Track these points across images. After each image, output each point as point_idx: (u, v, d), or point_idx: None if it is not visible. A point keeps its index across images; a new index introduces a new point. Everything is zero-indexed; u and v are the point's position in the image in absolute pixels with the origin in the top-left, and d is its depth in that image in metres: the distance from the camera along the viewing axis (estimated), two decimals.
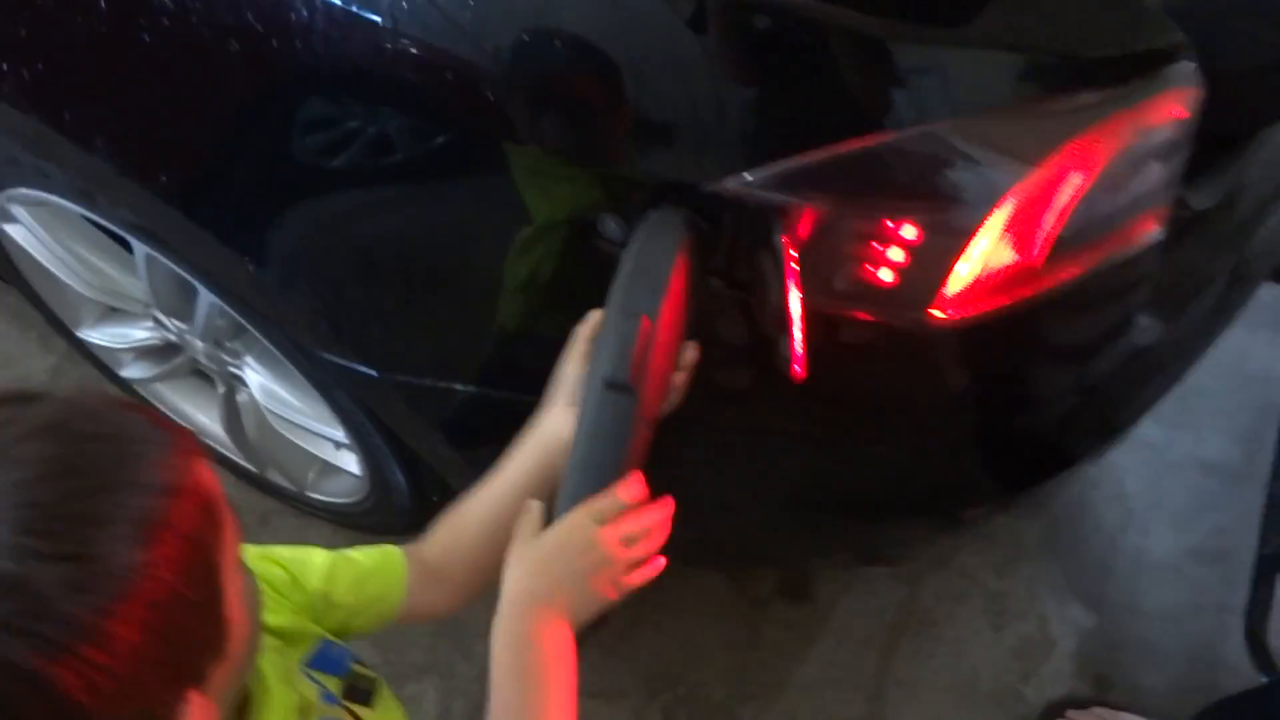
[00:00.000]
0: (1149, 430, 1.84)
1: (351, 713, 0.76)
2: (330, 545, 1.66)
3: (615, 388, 0.65)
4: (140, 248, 1.11)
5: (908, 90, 0.71)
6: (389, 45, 0.75)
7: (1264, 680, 1.41)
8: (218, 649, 0.54)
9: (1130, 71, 0.72)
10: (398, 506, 1.35)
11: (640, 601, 1.59)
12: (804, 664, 1.55)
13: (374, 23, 0.74)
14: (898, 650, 1.57)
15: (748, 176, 0.72)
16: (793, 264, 0.72)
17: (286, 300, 0.93)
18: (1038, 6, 0.74)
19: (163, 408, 1.58)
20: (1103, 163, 0.73)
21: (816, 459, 0.93)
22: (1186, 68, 0.73)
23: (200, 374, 1.53)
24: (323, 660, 0.75)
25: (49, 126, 0.89)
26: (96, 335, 1.47)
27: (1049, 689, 1.56)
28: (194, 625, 0.52)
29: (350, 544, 1.67)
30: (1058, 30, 0.73)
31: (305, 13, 0.73)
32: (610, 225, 0.79)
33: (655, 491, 0.70)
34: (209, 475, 0.54)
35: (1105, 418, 1.01)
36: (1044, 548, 1.69)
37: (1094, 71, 0.72)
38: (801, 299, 0.73)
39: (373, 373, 0.97)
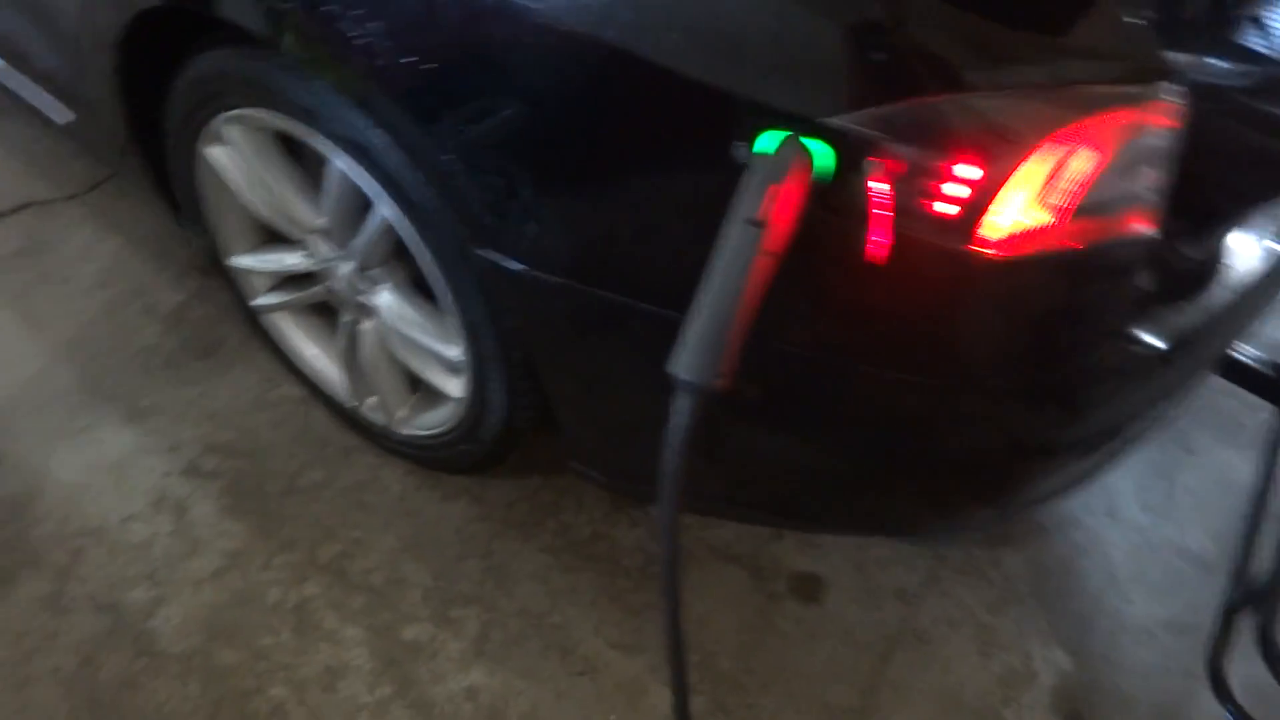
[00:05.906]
0: (1139, 515, 2.04)
1: None
2: (401, 486, 1.86)
3: (751, 222, 0.89)
4: (339, 163, 1.38)
5: (978, 63, 0.98)
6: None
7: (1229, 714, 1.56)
8: None
9: (1138, 78, 0.99)
10: (487, 430, 1.55)
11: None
12: (807, 655, 1.71)
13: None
14: (893, 658, 1.73)
15: (851, 115, 0.98)
16: (877, 188, 0.98)
17: (465, 190, 1.18)
18: (1080, 27, 1.02)
19: (276, 337, 1.82)
20: (1114, 143, 0.99)
21: (866, 385, 1.15)
22: (1179, 87, 1.00)
23: (318, 310, 1.78)
24: None
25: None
26: (249, 260, 1.72)
27: (1026, 715, 1.70)
28: None
29: (418, 487, 1.87)
30: (1090, 40, 1.01)
31: None
32: (742, 151, 1.05)
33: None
34: None
35: (1097, 400, 1.23)
36: (1033, 595, 1.86)
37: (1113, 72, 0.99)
38: (882, 218, 0.98)
39: (521, 267, 1.21)
